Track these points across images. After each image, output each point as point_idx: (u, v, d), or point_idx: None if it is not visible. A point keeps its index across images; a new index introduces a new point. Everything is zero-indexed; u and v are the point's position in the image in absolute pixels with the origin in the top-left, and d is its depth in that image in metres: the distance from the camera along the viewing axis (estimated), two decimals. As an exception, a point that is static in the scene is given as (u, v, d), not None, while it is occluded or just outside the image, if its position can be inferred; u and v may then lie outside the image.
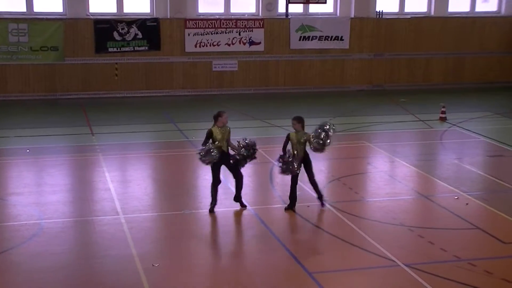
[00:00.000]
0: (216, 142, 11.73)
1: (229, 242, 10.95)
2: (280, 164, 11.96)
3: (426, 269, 9.76)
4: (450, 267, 9.91)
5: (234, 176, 12.13)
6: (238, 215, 12.11)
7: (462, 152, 16.93)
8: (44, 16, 23.41)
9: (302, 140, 11.96)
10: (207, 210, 12.21)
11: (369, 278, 9.69)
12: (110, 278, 9.54)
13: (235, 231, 11.37)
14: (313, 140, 11.85)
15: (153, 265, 9.87)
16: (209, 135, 11.79)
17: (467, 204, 12.73)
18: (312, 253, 10.51)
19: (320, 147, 11.92)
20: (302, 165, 12.09)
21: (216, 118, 11.95)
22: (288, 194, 12.31)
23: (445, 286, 9.37)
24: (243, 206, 12.31)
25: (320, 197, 12.37)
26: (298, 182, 12.17)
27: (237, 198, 12.30)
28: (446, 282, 9.44)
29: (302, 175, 12.18)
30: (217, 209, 12.25)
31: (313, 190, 12.34)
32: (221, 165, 12.00)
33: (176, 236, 11.15)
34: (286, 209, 12.27)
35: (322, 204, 12.36)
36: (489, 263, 10.11)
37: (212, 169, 12.03)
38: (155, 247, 10.79)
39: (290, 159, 11.85)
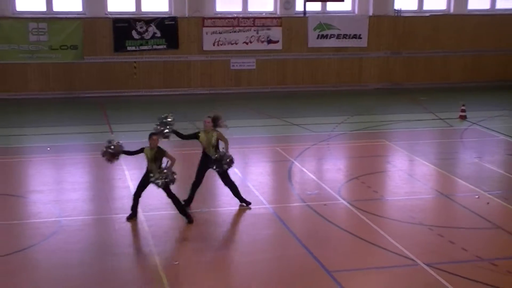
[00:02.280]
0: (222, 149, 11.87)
1: (247, 240, 10.92)
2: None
3: (447, 269, 9.66)
4: (472, 267, 9.80)
5: (225, 184, 12.15)
6: (256, 213, 12.07)
7: (483, 150, 16.75)
8: (64, 15, 23.53)
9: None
10: (225, 208, 12.19)
11: (389, 277, 9.61)
12: (130, 275, 9.55)
13: (254, 229, 11.33)
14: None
15: (174, 263, 9.86)
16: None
17: (488, 203, 12.59)
18: (331, 252, 10.44)
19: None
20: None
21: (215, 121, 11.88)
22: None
23: (466, 287, 9.26)
24: (247, 204, 12.26)
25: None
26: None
27: (240, 200, 12.31)
28: (468, 282, 9.33)
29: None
30: (235, 207, 12.22)
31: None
32: (207, 168, 12.00)
33: (194, 234, 11.13)
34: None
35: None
36: (511, 263, 9.98)
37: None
38: (174, 244, 10.79)
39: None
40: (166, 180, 11.16)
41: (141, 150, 11.37)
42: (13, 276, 9.51)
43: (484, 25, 26.48)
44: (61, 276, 9.51)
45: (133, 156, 11.60)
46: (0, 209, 12.31)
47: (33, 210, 12.27)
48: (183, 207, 11.64)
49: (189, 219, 11.51)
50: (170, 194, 11.46)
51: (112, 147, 11.37)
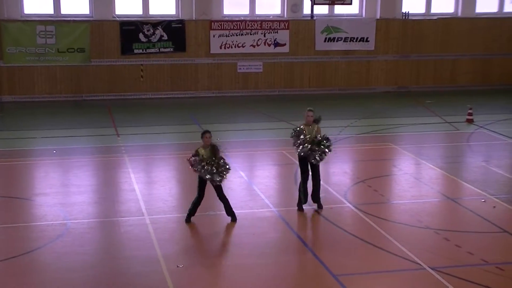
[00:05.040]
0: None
1: (253, 244, 10.93)
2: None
3: (453, 273, 9.64)
4: (478, 271, 9.77)
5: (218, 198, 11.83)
6: (262, 216, 12.08)
7: (490, 154, 16.71)
8: (71, 18, 23.65)
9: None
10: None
11: (395, 281, 9.60)
12: (135, 279, 9.57)
13: (260, 232, 11.34)
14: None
15: (177, 266, 9.88)
16: None
17: (494, 207, 12.55)
18: (337, 255, 10.43)
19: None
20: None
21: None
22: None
23: (472, 290, 9.25)
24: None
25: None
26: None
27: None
28: (474, 286, 9.31)
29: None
30: (242, 210, 12.25)
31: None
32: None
33: (200, 237, 11.16)
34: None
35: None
36: (518, 267, 9.96)
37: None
38: (180, 248, 10.80)
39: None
40: (223, 174, 11.23)
41: (196, 153, 11.35)
42: (19, 278, 9.55)
43: (493, 28, 26.43)
44: (66, 279, 9.55)
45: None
46: (6, 212, 12.37)
47: (39, 213, 12.33)
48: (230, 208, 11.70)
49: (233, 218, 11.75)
50: (222, 195, 11.56)
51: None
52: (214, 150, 11.31)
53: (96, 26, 23.48)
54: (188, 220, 11.69)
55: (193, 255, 10.52)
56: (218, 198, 11.66)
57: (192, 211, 11.72)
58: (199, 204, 11.67)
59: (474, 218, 12.04)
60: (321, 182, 12.33)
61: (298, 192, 12.29)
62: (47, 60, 23.17)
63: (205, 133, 11.41)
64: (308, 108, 12.32)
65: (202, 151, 11.35)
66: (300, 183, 12.26)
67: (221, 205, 12.01)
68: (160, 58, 24.06)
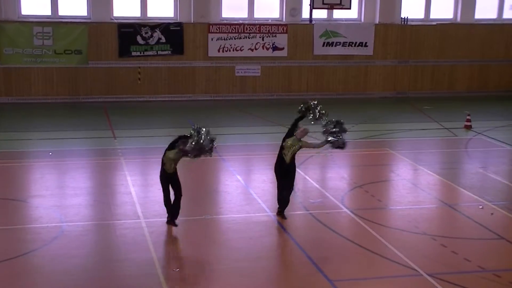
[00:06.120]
0: None
1: (249, 248, 10.92)
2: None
3: (449, 279, 9.65)
4: (474, 277, 9.78)
5: (174, 194, 11.54)
6: (259, 221, 12.07)
7: (487, 161, 16.74)
8: (69, 20, 23.64)
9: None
10: (227, 216, 12.22)
11: None
12: (130, 282, 9.55)
13: (256, 237, 11.33)
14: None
15: (173, 270, 9.87)
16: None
17: (492, 214, 12.57)
18: (333, 261, 10.44)
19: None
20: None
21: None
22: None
23: (468, 297, 9.26)
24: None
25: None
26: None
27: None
28: (470, 293, 9.33)
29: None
30: (238, 215, 12.25)
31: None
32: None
33: (196, 241, 11.15)
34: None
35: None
36: (514, 274, 9.97)
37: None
38: (176, 252, 10.80)
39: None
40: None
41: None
42: (14, 281, 9.53)
43: (492, 34, 26.50)
44: (61, 282, 9.53)
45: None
46: (2, 214, 12.34)
47: (35, 215, 12.31)
48: None
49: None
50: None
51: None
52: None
53: (93, 27, 23.47)
54: (172, 221, 11.52)
55: (188, 259, 10.51)
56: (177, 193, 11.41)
57: (173, 212, 11.54)
58: (170, 201, 11.46)
59: (471, 225, 12.05)
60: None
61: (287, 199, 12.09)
62: (44, 61, 23.15)
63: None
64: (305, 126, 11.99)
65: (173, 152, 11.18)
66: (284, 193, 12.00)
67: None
68: (157, 61, 24.05)
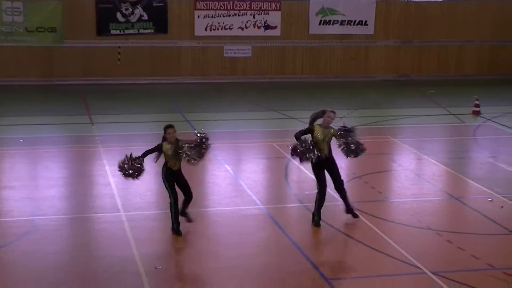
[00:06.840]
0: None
1: (239, 244, 10.93)
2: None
3: (455, 278, 9.69)
4: (483, 276, 9.83)
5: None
6: (249, 214, 12.10)
7: (497, 149, 16.82)
8: (42, -6, 23.54)
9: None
10: (215, 209, 12.23)
11: (393, 286, 9.63)
12: (110, 280, 9.55)
13: (246, 232, 11.35)
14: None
15: (156, 268, 9.88)
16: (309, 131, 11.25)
17: (502, 207, 12.63)
18: (330, 258, 10.48)
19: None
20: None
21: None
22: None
23: (476, 297, 9.32)
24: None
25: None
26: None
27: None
28: (478, 292, 9.39)
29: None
30: (227, 208, 12.27)
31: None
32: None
33: (182, 236, 11.13)
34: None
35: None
36: (526, 272, 10.04)
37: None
38: (159, 248, 10.79)
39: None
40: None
41: (157, 148, 10.83)
42: (-19, 279, 9.52)
43: (504, 12, 26.51)
44: (34, 280, 9.51)
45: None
46: (-31, 206, 12.32)
47: (4, 208, 12.27)
48: None
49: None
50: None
51: (127, 167, 10.90)
52: (178, 147, 10.71)
53: (69, 3, 23.36)
54: (178, 231, 11.09)
55: (173, 256, 10.52)
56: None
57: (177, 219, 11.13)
58: (178, 208, 11.11)
59: (480, 219, 12.11)
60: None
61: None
62: (14, 40, 23.04)
63: (167, 128, 10.78)
64: (330, 110, 11.54)
65: (166, 147, 10.84)
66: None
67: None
68: (139, 40, 23.99)
